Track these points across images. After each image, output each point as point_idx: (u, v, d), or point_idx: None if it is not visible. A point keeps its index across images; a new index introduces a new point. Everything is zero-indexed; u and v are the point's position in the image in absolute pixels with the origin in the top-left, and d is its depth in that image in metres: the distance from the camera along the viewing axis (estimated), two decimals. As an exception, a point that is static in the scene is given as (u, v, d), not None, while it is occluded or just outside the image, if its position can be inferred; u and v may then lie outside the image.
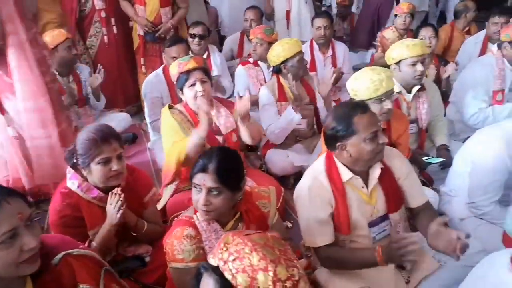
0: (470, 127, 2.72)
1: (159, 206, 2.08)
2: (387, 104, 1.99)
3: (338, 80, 3.28)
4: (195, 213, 1.46)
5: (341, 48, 3.51)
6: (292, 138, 2.74)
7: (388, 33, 3.85)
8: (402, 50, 2.34)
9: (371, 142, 1.46)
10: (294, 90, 2.64)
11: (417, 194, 1.70)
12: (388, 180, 1.60)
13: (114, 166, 1.58)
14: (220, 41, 4.52)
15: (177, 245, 1.39)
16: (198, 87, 2.07)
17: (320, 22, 3.37)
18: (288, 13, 4.43)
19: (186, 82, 2.10)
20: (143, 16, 3.30)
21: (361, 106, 1.52)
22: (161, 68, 2.97)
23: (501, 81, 2.58)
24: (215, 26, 5.07)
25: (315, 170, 1.60)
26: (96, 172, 1.58)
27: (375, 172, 1.57)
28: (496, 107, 2.65)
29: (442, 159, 2.37)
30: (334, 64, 3.42)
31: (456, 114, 2.91)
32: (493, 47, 2.73)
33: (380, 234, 1.63)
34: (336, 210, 1.54)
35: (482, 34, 3.54)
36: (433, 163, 2.35)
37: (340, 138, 1.48)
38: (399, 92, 2.44)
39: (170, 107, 2.22)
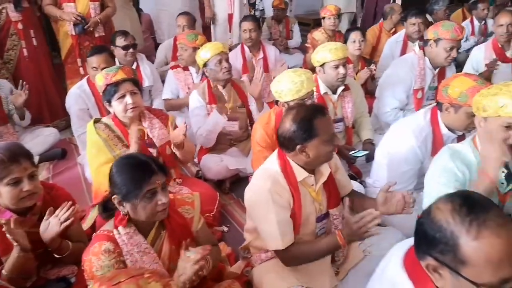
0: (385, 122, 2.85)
1: (85, 225, 1.98)
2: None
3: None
4: (115, 227, 1.41)
5: (271, 50, 3.58)
6: (226, 142, 2.75)
7: (317, 34, 4.00)
8: (325, 54, 2.43)
9: (329, 143, 1.51)
10: (218, 92, 2.66)
11: (346, 183, 1.80)
12: (329, 176, 1.66)
13: (26, 186, 1.49)
14: (156, 49, 4.44)
15: (95, 261, 1.33)
16: (129, 99, 2.00)
17: (246, 25, 3.45)
18: (230, 16, 4.47)
19: (114, 94, 2.00)
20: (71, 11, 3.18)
21: (319, 110, 1.55)
22: (84, 79, 2.85)
23: (421, 80, 2.72)
24: (149, 33, 4.99)
25: (270, 172, 1.59)
26: (5, 193, 1.48)
27: (325, 170, 1.63)
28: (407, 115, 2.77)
29: (366, 152, 2.49)
30: (265, 66, 3.48)
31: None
32: (415, 47, 2.85)
33: (321, 230, 1.70)
34: (293, 210, 1.57)
35: (402, 34, 3.76)
36: (358, 156, 2.46)
37: (301, 141, 1.49)
38: (325, 93, 2.54)
39: (96, 121, 2.12)
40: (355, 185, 2.24)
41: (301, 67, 4.52)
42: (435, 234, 0.89)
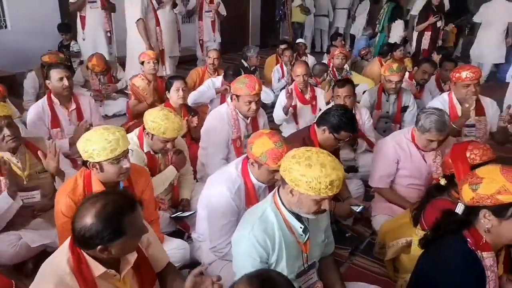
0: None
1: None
2: (125, 163, 1.90)
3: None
4: None
5: (85, 100, 3.27)
6: (28, 214, 2.32)
7: (137, 81, 3.89)
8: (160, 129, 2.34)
9: (137, 238, 1.38)
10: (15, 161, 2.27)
11: (160, 256, 1.65)
12: (138, 258, 1.47)
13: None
14: None
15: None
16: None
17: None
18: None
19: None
20: None
21: (129, 204, 1.34)
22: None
23: (237, 130, 2.85)
24: None
25: (56, 270, 1.31)
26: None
27: (131, 258, 1.43)
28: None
29: (188, 212, 2.47)
30: (79, 117, 3.15)
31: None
32: (228, 98, 2.97)
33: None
34: None
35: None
36: (182, 216, 2.43)
37: (105, 242, 1.28)
38: (148, 152, 2.48)
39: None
40: (179, 243, 2.21)
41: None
42: None
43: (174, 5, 5.33)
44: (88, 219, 1.26)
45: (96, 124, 3.24)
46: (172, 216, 2.41)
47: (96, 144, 1.81)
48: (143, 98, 3.83)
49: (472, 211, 1.44)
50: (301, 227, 1.60)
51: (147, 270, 1.54)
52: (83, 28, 5.19)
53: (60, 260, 1.34)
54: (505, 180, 1.36)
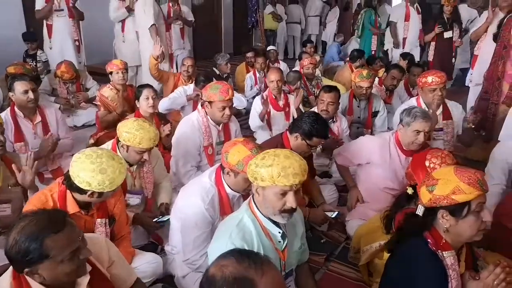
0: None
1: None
2: None
3: (54, 149, 2.92)
4: None
5: (51, 112, 3.16)
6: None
7: (106, 91, 3.80)
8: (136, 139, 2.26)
9: (69, 262, 1.25)
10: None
11: (127, 274, 1.59)
12: (96, 280, 1.40)
13: None
14: None
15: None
16: None
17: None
18: None
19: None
20: None
21: (56, 223, 1.24)
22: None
23: (208, 137, 2.83)
24: None
25: None
26: None
27: (82, 281, 1.35)
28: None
29: (168, 216, 2.40)
30: (45, 130, 3.04)
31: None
32: (199, 105, 2.95)
33: None
34: None
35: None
36: (163, 221, 2.38)
37: (28, 264, 1.21)
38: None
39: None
40: (151, 258, 2.14)
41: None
42: None
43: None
44: (10, 240, 1.20)
45: (63, 137, 3.15)
46: (154, 220, 2.36)
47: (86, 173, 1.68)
48: (112, 108, 3.74)
49: (431, 212, 1.49)
50: (279, 232, 1.59)
51: None
52: (49, 36, 5.04)
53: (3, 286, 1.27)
54: (458, 180, 1.40)
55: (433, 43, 5.70)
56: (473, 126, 3.12)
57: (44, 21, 5.00)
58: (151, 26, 4.97)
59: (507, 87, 3.82)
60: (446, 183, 1.42)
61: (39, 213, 1.27)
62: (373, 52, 6.71)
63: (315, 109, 3.38)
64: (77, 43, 5.15)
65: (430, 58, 5.75)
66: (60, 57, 4.84)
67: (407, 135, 2.51)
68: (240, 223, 1.58)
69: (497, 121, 3.94)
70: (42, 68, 5.11)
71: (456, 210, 1.42)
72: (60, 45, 5.06)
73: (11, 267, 1.29)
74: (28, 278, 1.26)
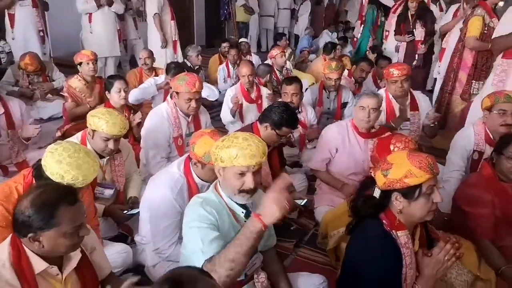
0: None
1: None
2: None
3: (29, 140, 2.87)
4: None
5: (15, 104, 3.06)
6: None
7: (74, 82, 3.72)
8: (101, 125, 2.24)
9: (71, 237, 1.32)
10: None
11: (104, 264, 1.61)
12: (83, 266, 1.45)
13: None
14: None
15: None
16: None
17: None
18: None
19: None
20: None
21: (69, 195, 1.33)
22: None
23: (178, 128, 2.82)
24: None
25: None
26: None
27: (74, 254, 1.41)
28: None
29: (138, 210, 2.39)
30: (9, 122, 2.94)
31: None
32: (168, 97, 2.94)
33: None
34: None
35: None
36: (132, 214, 2.36)
37: (35, 229, 1.27)
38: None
39: None
40: (120, 248, 2.12)
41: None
42: None
43: (110, 4, 5.16)
44: (24, 205, 1.28)
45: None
46: (124, 212, 2.34)
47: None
48: (80, 99, 3.66)
49: (386, 194, 1.57)
50: (243, 212, 1.61)
51: (91, 276, 1.50)
52: (12, 27, 4.83)
53: (0, 255, 1.32)
54: (410, 164, 1.49)
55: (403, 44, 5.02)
56: (435, 124, 3.24)
57: (6, 11, 4.79)
58: (154, 14, 5.35)
59: (465, 77, 4.02)
60: (399, 167, 1.50)
61: (54, 184, 1.38)
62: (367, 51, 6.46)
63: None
64: (41, 33, 4.97)
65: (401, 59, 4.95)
66: (24, 48, 4.65)
67: (357, 114, 2.67)
68: (207, 199, 1.62)
69: (451, 113, 4.19)
70: (7, 59, 4.90)
71: (409, 192, 1.51)
72: (23, 35, 4.87)
73: (9, 237, 1.36)
74: (25, 247, 1.32)
